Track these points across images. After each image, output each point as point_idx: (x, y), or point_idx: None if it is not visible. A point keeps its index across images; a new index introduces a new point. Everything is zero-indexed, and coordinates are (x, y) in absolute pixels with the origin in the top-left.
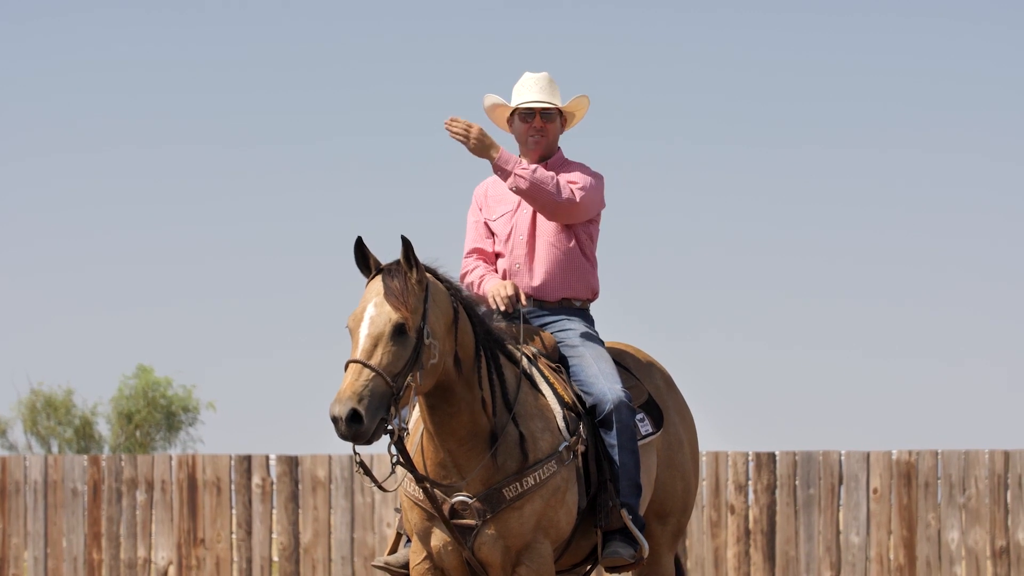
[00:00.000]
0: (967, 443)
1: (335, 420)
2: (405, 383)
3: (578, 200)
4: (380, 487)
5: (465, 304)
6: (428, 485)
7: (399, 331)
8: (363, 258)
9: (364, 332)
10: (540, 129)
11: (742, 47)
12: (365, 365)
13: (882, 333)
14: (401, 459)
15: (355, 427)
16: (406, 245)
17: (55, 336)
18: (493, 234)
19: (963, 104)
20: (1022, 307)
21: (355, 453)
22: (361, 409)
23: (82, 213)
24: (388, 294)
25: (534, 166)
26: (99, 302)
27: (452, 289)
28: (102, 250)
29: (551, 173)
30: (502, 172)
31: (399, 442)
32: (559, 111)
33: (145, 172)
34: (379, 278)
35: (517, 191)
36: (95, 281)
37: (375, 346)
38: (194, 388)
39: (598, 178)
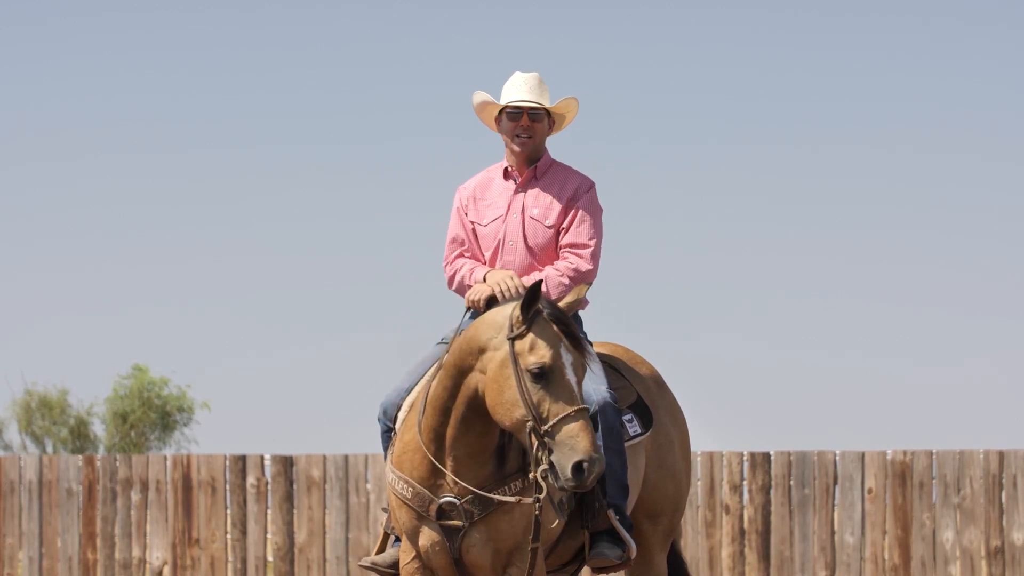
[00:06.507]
0: (962, 443)
1: (590, 472)
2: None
3: (594, 267)
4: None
5: None
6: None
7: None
8: (532, 301)
9: (574, 378)
10: (527, 129)
11: (733, 45)
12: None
13: (878, 333)
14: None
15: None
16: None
17: (50, 336)
18: (477, 237)
19: (963, 103)
20: (1017, 307)
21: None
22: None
23: (76, 214)
24: (572, 340)
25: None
26: (94, 302)
27: None
28: (97, 250)
29: (561, 271)
30: None
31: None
32: (547, 112)
33: (139, 172)
34: (551, 321)
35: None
36: (90, 281)
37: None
38: (189, 388)
39: (597, 212)
